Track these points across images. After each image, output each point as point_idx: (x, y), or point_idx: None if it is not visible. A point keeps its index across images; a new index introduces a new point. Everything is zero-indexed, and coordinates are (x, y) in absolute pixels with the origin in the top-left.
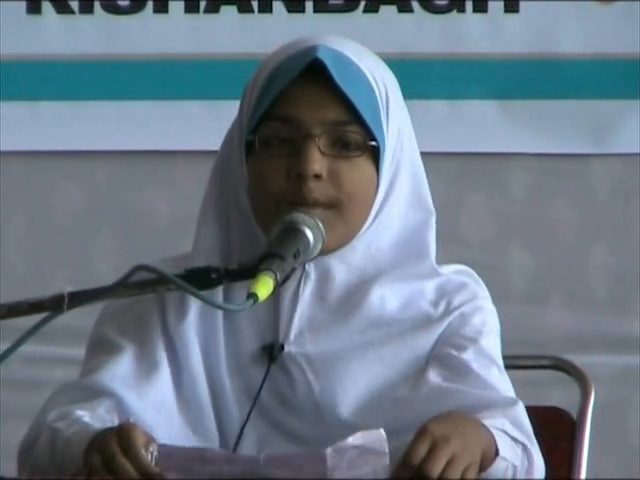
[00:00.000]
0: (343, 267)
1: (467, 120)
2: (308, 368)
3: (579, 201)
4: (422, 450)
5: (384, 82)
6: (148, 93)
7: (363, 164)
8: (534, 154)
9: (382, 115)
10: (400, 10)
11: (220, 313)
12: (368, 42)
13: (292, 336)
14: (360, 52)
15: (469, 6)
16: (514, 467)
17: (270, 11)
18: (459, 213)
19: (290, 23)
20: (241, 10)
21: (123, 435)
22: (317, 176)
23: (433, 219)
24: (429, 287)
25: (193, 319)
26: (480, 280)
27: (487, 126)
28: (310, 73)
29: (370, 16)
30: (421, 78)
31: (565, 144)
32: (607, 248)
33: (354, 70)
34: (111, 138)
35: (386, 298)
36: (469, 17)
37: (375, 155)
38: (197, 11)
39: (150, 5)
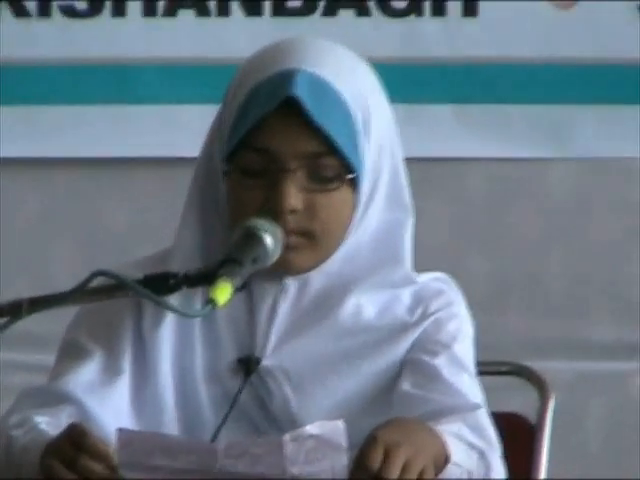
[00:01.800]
0: (321, 277)
1: (424, 124)
2: (285, 382)
3: (536, 206)
4: (377, 457)
5: (365, 100)
6: (105, 98)
7: (340, 193)
8: (491, 159)
9: (361, 139)
10: (358, 14)
11: (197, 320)
12: None
13: (269, 350)
14: (339, 68)
15: (427, 10)
16: (469, 473)
17: (227, 14)
18: (416, 218)
19: (248, 26)
20: (199, 13)
21: (75, 433)
22: (293, 211)
23: (411, 219)
24: (406, 294)
25: (170, 324)
26: (456, 287)
27: (444, 130)
28: (286, 103)
29: (328, 20)
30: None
31: (522, 148)
32: (565, 253)
33: (331, 98)
34: (67, 144)
35: (362, 306)
36: (427, 21)
37: (353, 181)
38: (155, 14)
39: (108, 8)
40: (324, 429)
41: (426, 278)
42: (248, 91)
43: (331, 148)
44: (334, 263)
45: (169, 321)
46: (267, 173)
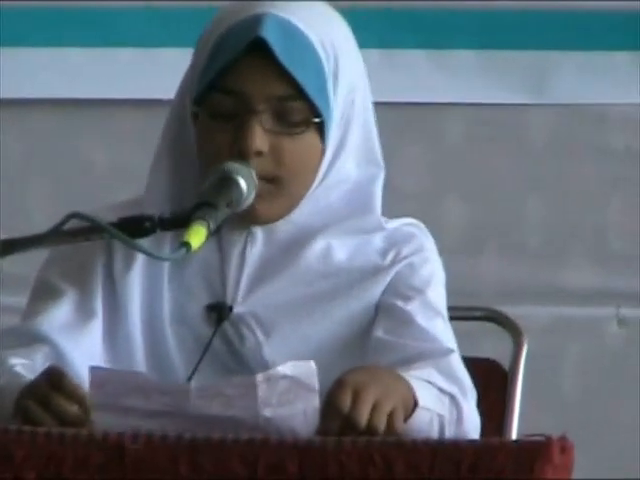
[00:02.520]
0: (289, 226)
1: (401, 69)
2: (257, 328)
3: (515, 152)
4: (346, 398)
5: (333, 45)
6: (83, 40)
7: (307, 138)
8: (469, 104)
9: (329, 84)
10: None
11: (167, 264)
12: None
13: (240, 296)
14: (310, 15)
15: None
16: (440, 417)
17: None
18: (393, 163)
19: None
20: None
21: (54, 375)
22: (259, 153)
23: (382, 174)
24: (377, 238)
25: (139, 268)
26: (428, 232)
27: (422, 76)
28: (256, 46)
29: None
30: (354, 27)
31: (501, 94)
32: (542, 199)
33: (301, 42)
34: (46, 85)
35: (333, 249)
36: None
37: (321, 127)
38: None
39: None
40: (296, 370)
41: (397, 224)
42: (218, 35)
43: (298, 91)
44: (302, 213)
45: (139, 265)
46: (235, 116)
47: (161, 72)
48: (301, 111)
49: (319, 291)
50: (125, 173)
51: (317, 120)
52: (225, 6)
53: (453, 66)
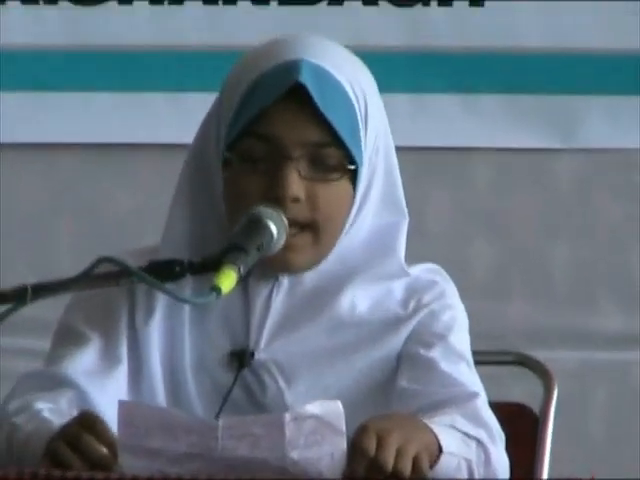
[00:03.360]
0: (314, 275)
1: (431, 114)
2: (279, 375)
3: (542, 196)
4: (371, 443)
5: (363, 92)
6: (112, 84)
7: (341, 185)
8: (497, 148)
9: (361, 131)
10: (365, 2)
11: (187, 312)
12: (332, 35)
13: (263, 343)
14: (340, 61)
15: None
16: (467, 461)
17: (234, 3)
18: (422, 207)
19: (255, 15)
20: (206, 1)
21: (86, 418)
22: (295, 199)
23: (406, 222)
24: (398, 287)
25: (160, 316)
26: (449, 278)
27: (451, 120)
28: (290, 92)
29: (335, 8)
30: (385, 71)
31: (528, 138)
32: (569, 243)
33: (335, 88)
34: (74, 130)
35: (356, 299)
36: (434, 10)
37: (353, 174)
38: (161, 2)
39: None
40: (324, 409)
41: (418, 269)
42: (252, 80)
43: (334, 138)
44: (327, 261)
45: (160, 311)
46: (269, 161)
47: (186, 117)
48: (336, 157)
49: (341, 342)
50: (148, 218)
51: (352, 167)
52: (252, 51)
53: (481, 110)
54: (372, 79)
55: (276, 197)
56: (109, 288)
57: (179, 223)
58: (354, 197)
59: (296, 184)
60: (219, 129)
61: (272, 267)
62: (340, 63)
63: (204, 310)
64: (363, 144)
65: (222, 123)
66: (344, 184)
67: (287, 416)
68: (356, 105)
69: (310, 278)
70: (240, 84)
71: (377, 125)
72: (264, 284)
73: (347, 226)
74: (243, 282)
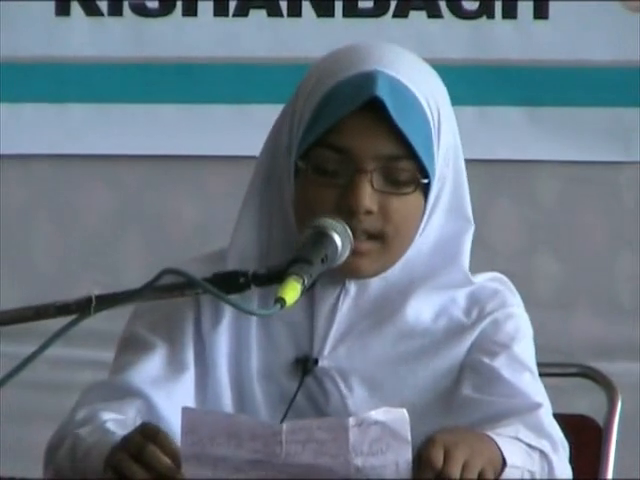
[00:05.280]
0: (381, 282)
1: (496, 126)
2: (342, 383)
3: (607, 209)
4: (439, 455)
5: (437, 103)
6: (177, 96)
7: (413, 198)
8: (562, 161)
9: (434, 144)
10: (429, 15)
11: (254, 320)
12: None
13: (327, 351)
14: (415, 72)
15: (498, 11)
16: (531, 473)
17: (299, 15)
18: (487, 220)
19: (319, 27)
20: (270, 13)
21: (148, 428)
22: (368, 212)
23: (472, 229)
24: (461, 295)
25: (227, 324)
26: (513, 287)
27: (516, 133)
28: (366, 104)
29: (399, 21)
30: (450, 84)
31: (593, 152)
32: (634, 256)
33: (410, 101)
34: (139, 141)
35: (420, 308)
36: (498, 23)
37: (424, 186)
38: (226, 14)
39: (179, 8)
40: (389, 416)
41: (482, 279)
42: (326, 91)
43: (408, 151)
44: (394, 269)
45: (227, 320)
46: (342, 172)
47: (252, 128)
48: (409, 171)
49: (406, 351)
50: (215, 229)
51: (425, 181)
52: (327, 60)
53: (545, 123)
54: (445, 90)
55: (349, 209)
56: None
57: (247, 231)
58: (424, 208)
59: (369, 197)
60: (291, 138)
61: (341, 272)
62: (415, 74)
63: (269, 318)
64: (435, 157)
65: (294, 132)
66: (416, 197)
67: (351, 420)
68: (430, 118)
69: (377, 285)
70: (314, 94)
71: (449, 137)
72: (331, 290)
73: (417, 234)
74: (309, 288)
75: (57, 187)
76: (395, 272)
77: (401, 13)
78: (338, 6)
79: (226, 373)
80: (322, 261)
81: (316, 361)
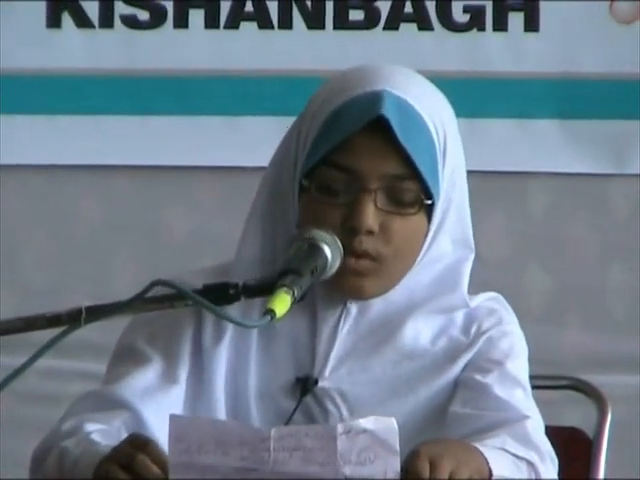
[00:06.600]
0: (382, 302)
1: (487, 138)
2: (343, 404)
3: (598, 221)
4: (425, 466)
5: (443, 125)
6: (168, 108)
7: (416, 219)
8: (554, 173)
9: (439, 165)
10: (420, 28)
11: (255, 337)
12: (388, 60)
13: (328, 371)
14: (422, 93)
15: (489, 24)
16: None
17: (290, 27)
18: (477, 231)
19: (310, 39)
20: (261, 26)
21: (137, 439)
22: (370, 231)
23: (472, 255)
24: (459, 316)
25: (228, 340)
26: (508, 306)
27: (507, 145)
28: (371, 124)
29: (390, 33)
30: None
31: (584, 164)
32: (625, 268)
33: (416, 121)
34: (131, 153)
35: (420, 329)
36: (489, 35)
37: (428, 207)
38: (217, 26)
39: (170, 20)
40: (377, 425)
41: (480, 300)
42: (333, 109)
43: (413, 172)
44: (395, 292)
45: (228, 336)
46: (347, 191)
47: (243, 140)
48: (413, 191)
49: (406, 372)
50: (206, 241)
51: (429, 202)
52: (335, 79)
53: (537, 135)
54: (451, 111)
55: (351, 227)
56: (176, 309)
57: (251, 247)
58: (427, 230)
59: (372, 217)
60: (297, 155)
61: (343, 293)
62: (421, 95)
63: (271, 335)
64: (440, 178)
65: (300, 150)
66: (419, 218)
67: (339, 428)
68: (436, 139)
69: (378, 307)
70: (321, 112)
71: (454, 159)
72: (332, 310)
73: (418, 259)
74: (311, 307)
75: (48, 198)
76: (396, 294)
77: (392, 25)
78: (329, 18)
79: (222, 390)
80: (312, 273)
81: (316, 381)
